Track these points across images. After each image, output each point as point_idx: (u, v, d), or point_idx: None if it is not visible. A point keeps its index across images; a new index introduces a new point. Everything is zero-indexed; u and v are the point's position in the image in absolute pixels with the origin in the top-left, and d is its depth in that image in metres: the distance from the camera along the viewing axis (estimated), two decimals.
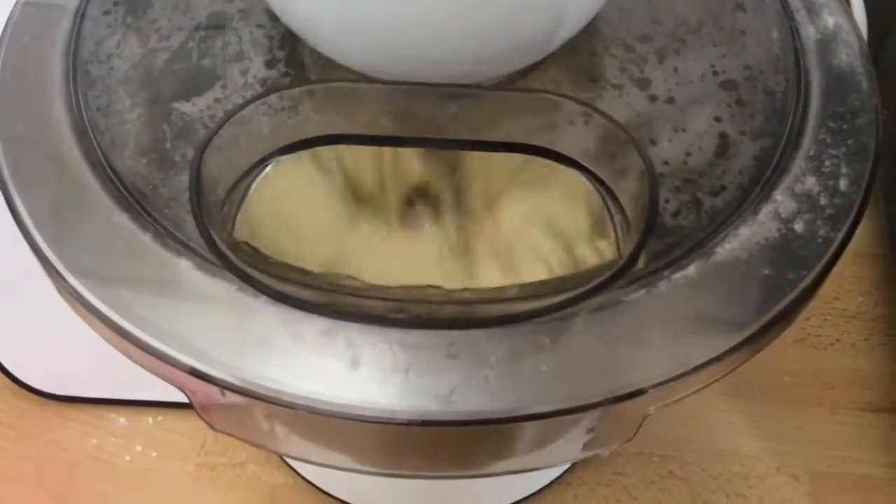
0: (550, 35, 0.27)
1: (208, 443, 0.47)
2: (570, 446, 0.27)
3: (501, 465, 0.28)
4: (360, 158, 0.30)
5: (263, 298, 0.25)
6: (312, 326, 0.25)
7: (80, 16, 0.31)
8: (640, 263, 0.26)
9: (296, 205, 0.29)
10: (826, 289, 0.52)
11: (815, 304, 0.52)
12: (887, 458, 0.46)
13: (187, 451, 0.46)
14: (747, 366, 0.49)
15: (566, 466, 0.46)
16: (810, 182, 0.28)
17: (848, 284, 0.53)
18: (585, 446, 0.28)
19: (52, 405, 0.47)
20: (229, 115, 0.26)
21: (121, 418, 0.47)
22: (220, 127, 0.25)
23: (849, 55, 0.31)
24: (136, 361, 0.26)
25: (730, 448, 0.47)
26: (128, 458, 0.46)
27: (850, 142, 0.29)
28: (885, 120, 0.52)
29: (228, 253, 0.24)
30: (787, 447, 0.47)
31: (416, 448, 0.27)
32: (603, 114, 0.26)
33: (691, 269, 0.26)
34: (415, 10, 0.25)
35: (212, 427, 0.27)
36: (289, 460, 0.46)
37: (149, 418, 0.47)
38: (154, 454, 0.46)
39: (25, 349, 0.47)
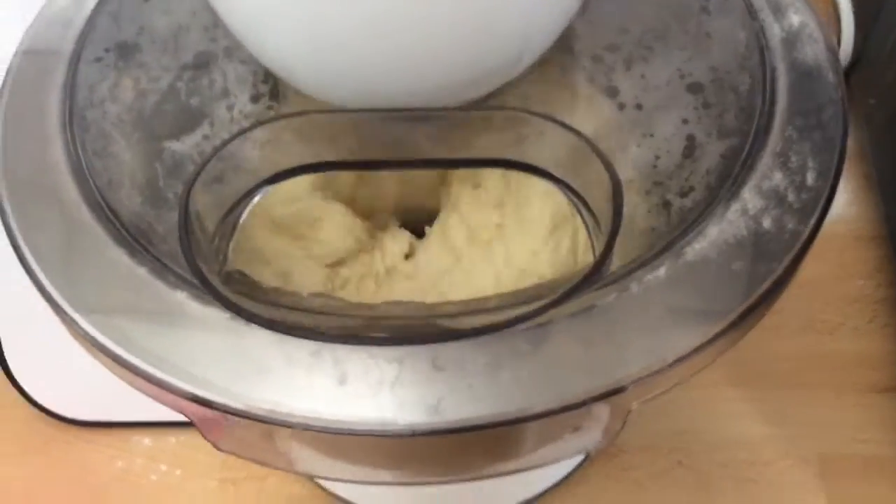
0: (516, 61, 0.28)
1: (230, 459, 0.48)
2: (558, 446, 0.28)
3: (495, 468, 0.29)
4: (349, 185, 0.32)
5: (255, 325, 0.26)
6: (302, 348, 0.26)
7: (75, 63, 0.33)
8: (614, 266, 0.28)
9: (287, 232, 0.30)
10: (827, 273, 0.53)
11: (816, 289, 0.53)
12: (895, 436, 0.47)
13: (209, 467, 0.48)
14: (751, 354, 0.50)
15: (575, 464, 0.47)
16: (777, 178, 0.29)
17: (849, 268, 0.53)
18: (573, 445, 0.29)
19: (79, 431, 0.49)
20: (214, 152, 0.27)
21: (145, 440, 0.49)
22: (205, 164, 0.27)
23: (814, 51, 0.32)
24: (140, 391, 0.27)
25: (737, 435, 0.47)
26: (153, 477, 0.47)
27: (816, 136, 0.30)
28: (873, 105, 0.52)
29: (217, 285, 0.25)
30: (795, 431, 0.47)
31: (412, 456, 0.28)
32: (564, 125, 0.27)
33: (662, 270, 0.27)
34: (383, 49, 0.27)
35: (217, 448, 0.29)
36: None
37: (172, 438, 0.49)
38: (178, 472, 0.48)
39: (50, 378, 0.48)
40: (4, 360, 0.48)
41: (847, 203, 0.56)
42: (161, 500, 0.47)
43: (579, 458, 0.47)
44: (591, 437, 0.28)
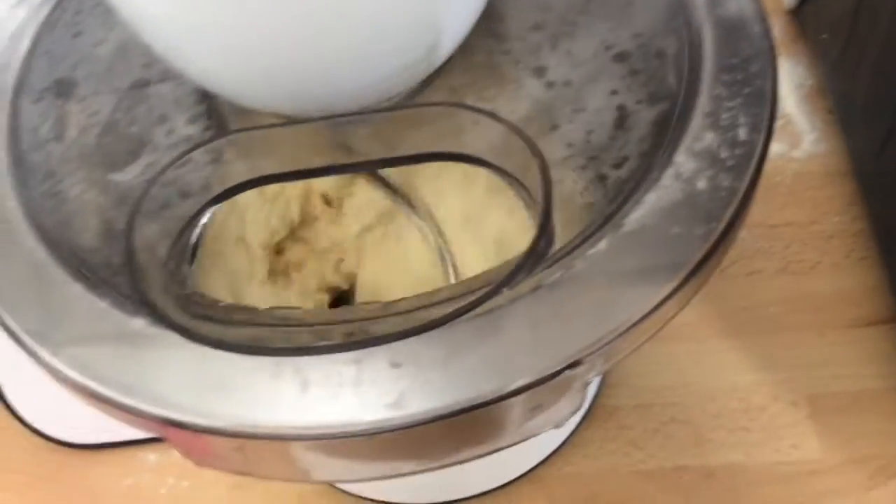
0: (430, 53, 0.29)
1: None
2: (525, 425, 0.29)
3: (468, 454, 0.30)
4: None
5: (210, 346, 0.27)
6: (262, 362, 0.27)
7: (16, 105, 0.34)
8: (559, 245, 0.28)
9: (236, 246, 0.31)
10: (801, 214, 0.54)
11: (792, 231, 0.53)
12: (880, 369, 0.47)
13: (216, 476, 0.49)
14: (736, 304, 0.51)
15: (571, 429, 0.48)
16: (709, 138, 0.29)
17: (823, 206, 0.53)
18: (541, 422, 0.29)
19: (86, 454, 0.50)
20: (153, 181, 0.28)
21: (150, 456, 0.50)
22: (145, 194, 0.28)
23: (738, 4, 0.32)
24: (112, 417, 0.28)
25: (727, 385, 0.48)
26: (163, 491, 0.49)
27: (745, 90, 0.30)
28: (826, 40, 0.52)
29: (170, 310, 0.26)
30: (782, 375, 0.48)
31: (388, 451, 0.29)
32: (486, 113, 0.27)
33: (603, 244, 0.28)
34: (298, 53, 0.27)
35: (198, 465, 0.30)
36: None
37: (175, 451, 0.50)
38: (186, 484, 0.49)
39: (51, 407, 0.50)
40: (2, 394, 0.49)
41: (816, 141, 0.56)
42: None
43: (576, 421, 0.48)
44: (557, 412, 0.29)
